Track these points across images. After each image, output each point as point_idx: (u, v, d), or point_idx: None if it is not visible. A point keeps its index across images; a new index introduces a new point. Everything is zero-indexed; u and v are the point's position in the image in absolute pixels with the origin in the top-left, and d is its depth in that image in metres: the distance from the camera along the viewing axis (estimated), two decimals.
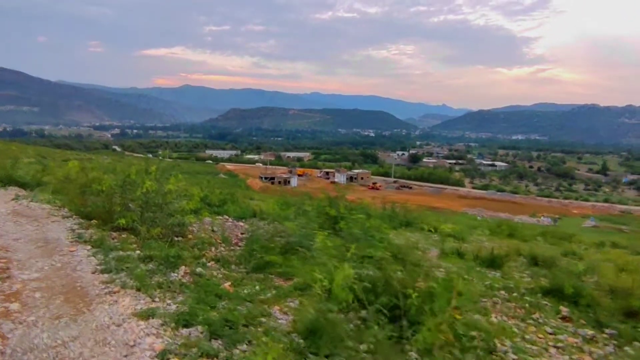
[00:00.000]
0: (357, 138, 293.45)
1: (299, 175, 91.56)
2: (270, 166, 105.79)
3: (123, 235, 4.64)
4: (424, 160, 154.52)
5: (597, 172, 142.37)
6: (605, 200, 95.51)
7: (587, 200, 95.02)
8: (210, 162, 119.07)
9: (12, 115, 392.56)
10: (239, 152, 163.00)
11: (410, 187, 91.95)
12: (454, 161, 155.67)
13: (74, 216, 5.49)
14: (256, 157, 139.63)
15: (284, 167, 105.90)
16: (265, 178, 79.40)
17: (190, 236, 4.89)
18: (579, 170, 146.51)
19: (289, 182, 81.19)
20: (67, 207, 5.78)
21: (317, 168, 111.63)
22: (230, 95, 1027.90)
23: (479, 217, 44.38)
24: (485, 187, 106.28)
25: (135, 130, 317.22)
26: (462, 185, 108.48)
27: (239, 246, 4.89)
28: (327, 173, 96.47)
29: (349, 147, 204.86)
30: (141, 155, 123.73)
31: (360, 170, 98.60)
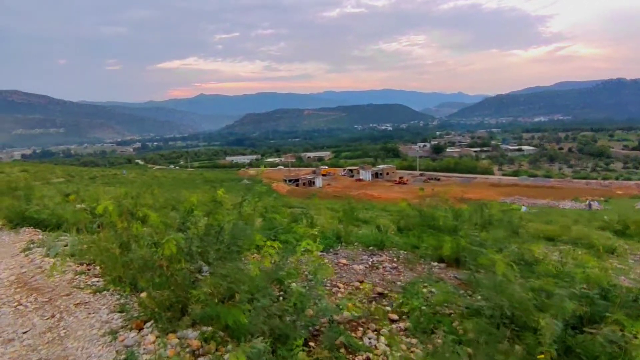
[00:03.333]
0: (375, 133, 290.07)
1: (323, 175, 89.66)
2: (293, 168, 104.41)
3: (211, 340, 2.36)
4: (448, 150, 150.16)
5: (634, 149, 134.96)
6: None
7: (629, 179, 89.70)
8: (232, 168, 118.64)
9: (40, 138, 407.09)
10: (259, 156, 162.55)
11: (439, 179, 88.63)
12: (478, 149, 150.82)
13: (112, 289, 3.39)
14: (277, 160, 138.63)
15: (307, 168, 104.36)
16: (289, 180, 77.81)
17: (311, 311, 2.54)
18: (613, 148, 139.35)
19: (313, 182, 79.49)
20: (100, 269, 3.78)
21: (339, 166, 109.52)
22: (245, 101, 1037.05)
23: (524, 208, 41.19)
24: (515, 174, 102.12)
25: (155, 143, 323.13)
26: (491, 173, 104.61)
27: (399, 326, 2.76)
28: (351, 171, 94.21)
29: (367, 142, 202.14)
30: (163, 167, 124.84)
31: (385, 166, 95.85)
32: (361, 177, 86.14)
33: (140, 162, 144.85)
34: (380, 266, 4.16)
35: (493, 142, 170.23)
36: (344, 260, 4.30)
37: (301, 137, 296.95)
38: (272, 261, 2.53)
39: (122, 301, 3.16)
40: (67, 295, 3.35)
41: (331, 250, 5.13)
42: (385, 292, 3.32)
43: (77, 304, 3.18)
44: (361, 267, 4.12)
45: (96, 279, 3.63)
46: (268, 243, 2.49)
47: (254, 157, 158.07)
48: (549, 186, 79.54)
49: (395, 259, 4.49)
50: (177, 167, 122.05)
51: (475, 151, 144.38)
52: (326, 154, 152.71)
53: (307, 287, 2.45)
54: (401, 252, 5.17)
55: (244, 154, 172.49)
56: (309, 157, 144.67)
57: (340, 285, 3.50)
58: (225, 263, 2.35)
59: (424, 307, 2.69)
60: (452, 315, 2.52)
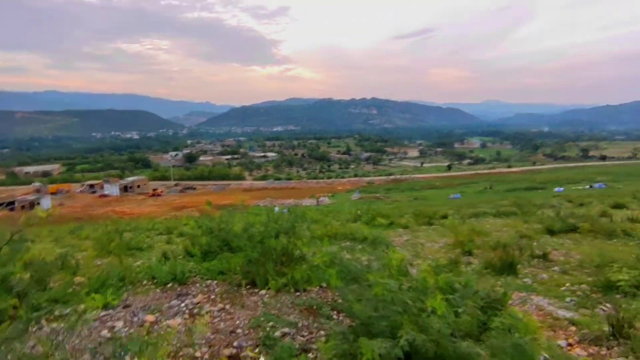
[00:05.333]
0: (118, 142, 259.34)
1: (52, 193, 72.79)
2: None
3: None
4: (201, 158, 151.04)
5: (344, 153, 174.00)
6: (355, 175, 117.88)
7: (343, 177, 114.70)
8: None
9: None
10: None
11: (194, 188, 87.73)
12: (229, 156, 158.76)
13: None
14: None
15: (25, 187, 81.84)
16: (0, 204, 59.01)
17: None
18: (331, 153, 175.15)
19: (38, 204, 63.08)
20: None
21: (76, 182, 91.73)
22: None
23: (276, 209, 45.83)
24: (263, 178, 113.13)
25: None
26: (243, 179, 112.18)
27: None
28: (93, 186, 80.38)
29: (110, 153, 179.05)
30: None
31: (135, 178, 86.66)
32: (106, 192, 74.76)
33: None
34: (203, 312, 3.15)
35: (242, 150, 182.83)
36: (149, 317, 3.04)
37: (14, 147, 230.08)
38: None
39: None
40: None
41: (121, 300, 3.65)
42: (235, 351, 2.42)
43: None
44: (179, 320, 2.99)
45: None
46: None
47: None
48: (291, 187, 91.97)
49: (213, 296, 3.57)
50: None
51: (227, 159, 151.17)
52: (54, 168, 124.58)
53: None
54: (210, 282, 4.27)
55: None
56: (27, 172, 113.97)
57: None
58: None
59: None
60: None
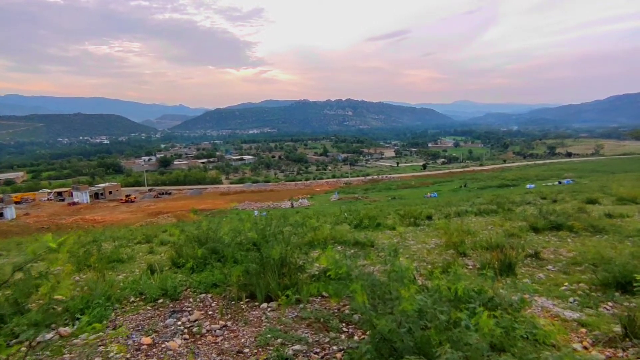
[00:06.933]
0: (87, 147, 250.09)
1: (16, 202, 69.37)
2: None
3: None
4: (175, 162, 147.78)
5: (321, 155, 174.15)
6: (333, 176, 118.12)
7: (321, 178, 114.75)
8: None
9: None
10: None
11: (170, 193, 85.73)
12: (205, 160, 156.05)
13: None
14: None
15: None
16: None
17: None
18: (308, 154, 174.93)
19: (1, 215, 60.21)
20: None
21: (42, 189, 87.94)
22: None
23: (255, 213, 45.16)
24: (241, 181, 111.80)
25: None
26: (220, 182, 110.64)
27: None
28: (61, 193, 77.20)
29: (79, 158, 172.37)
30: None
31: (106, 184, 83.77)
32: (75, 199, 71.97)
33: None
34: (204, 330, 2.93)
35: (218, 153, 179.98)
36: (146, 339, 2.79)
37: None
38: None
39: None
40: None
41: (108, 321, 3.38)
42: None
43: None
44: (178, 341, 2.75)
45: None
46: None
47: None
48: (269, 190, 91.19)
49: (210, 312, 3.35)
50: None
51: (202, 162, 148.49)
52: (18, 175, 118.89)
53: None
54: (204, 296, 4.05)
55: None
56: None
57: None
58: None
59: None
60: None
